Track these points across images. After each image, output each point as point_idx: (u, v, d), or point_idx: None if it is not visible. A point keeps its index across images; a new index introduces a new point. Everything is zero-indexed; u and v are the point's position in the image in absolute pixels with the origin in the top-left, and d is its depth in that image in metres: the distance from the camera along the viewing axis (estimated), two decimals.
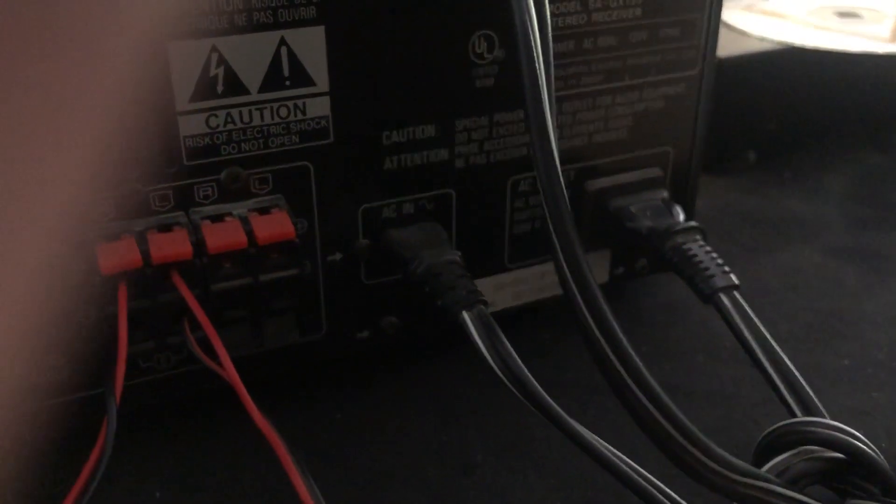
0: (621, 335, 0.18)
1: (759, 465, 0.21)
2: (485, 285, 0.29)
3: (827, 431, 0.22)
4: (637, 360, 0.18)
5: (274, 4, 0.23)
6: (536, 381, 0.23)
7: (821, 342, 0.32)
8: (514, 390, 0.23)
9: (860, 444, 0.21)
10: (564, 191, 0.20)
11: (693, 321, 0.33)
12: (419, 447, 0.27)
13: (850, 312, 0.34)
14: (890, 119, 0.48)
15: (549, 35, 0.21)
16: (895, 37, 0.48)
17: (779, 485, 0.20)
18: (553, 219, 0.19)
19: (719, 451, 0.19)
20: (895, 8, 0.52)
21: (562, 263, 0.18)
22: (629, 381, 0.18)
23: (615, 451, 0.23)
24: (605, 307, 0.18)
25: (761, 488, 0.19)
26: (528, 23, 0.22)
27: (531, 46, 0.21)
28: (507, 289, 0.30)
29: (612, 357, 0.18)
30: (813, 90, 0.45)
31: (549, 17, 0.21)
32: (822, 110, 0.46)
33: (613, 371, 0.18)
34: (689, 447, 0.18)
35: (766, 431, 0.22)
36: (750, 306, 0.26)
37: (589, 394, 0.29)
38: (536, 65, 0.21)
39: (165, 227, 0.23)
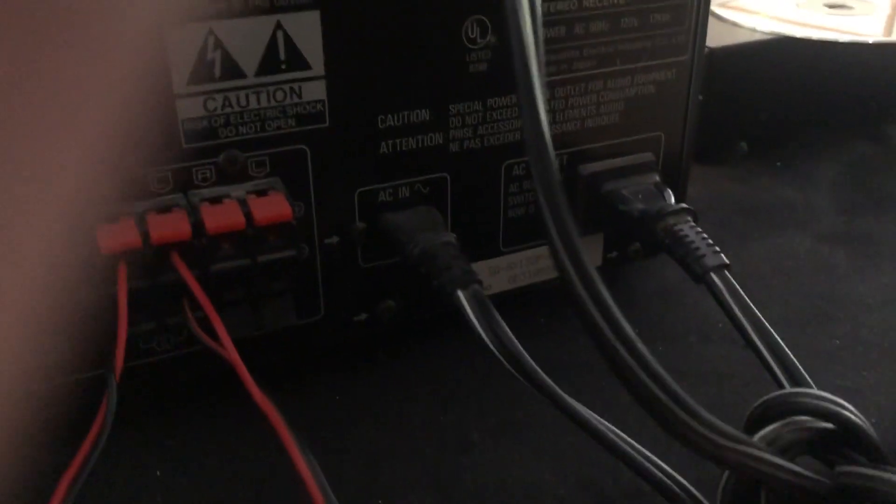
0: (611, 302, 0.18)
1: (750, 434, 0.22)
2: (480, 269, 0.29)
3: (816, 402, 0.22)
4: (628, 328, 0.18)
5: None
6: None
7: (812, 324, 0.32)
8: (509, 367, 0.23)
9: (848, 414, 0.22)
10: (555, 167, 0.20)
11: (686, 304, 0.33)
12: (417, 427, 0.27)
13: (841, 295, 0.34)
14: (880, 108, 0.49)
15: (539, 18, 0.21)
16: (889, 31, 0.48)
17: (769, 453, 0.20)
18: (544, 194, 0.19)
19: (710, 417, 0.19)
20: (887, 1, 0.53)
21: (554, 238, 0.19)
22: (620, 349, 0.18)
23: (609, 425, 0.23)
24: (597, 279, 0.18)
25: (752, 455, 0.19)
26: (518, 6, 0.22)
27: (521, 29, 0.21)
28: (502, 272, 0.31)
29: (603, 324, 0.18)
30: (804, 80, 0.46)
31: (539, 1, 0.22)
32: (812, 100, 0.47)
33: (604, 339, 0.18)
34: (681, 413, 0.18)
35: (756, 403, 0.23)
36: (744, 289, 0.27)
37: (583, 374, 0.30)
38: (526, 48, 0.21)
39: (164, 209, 0.24)
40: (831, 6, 0.50)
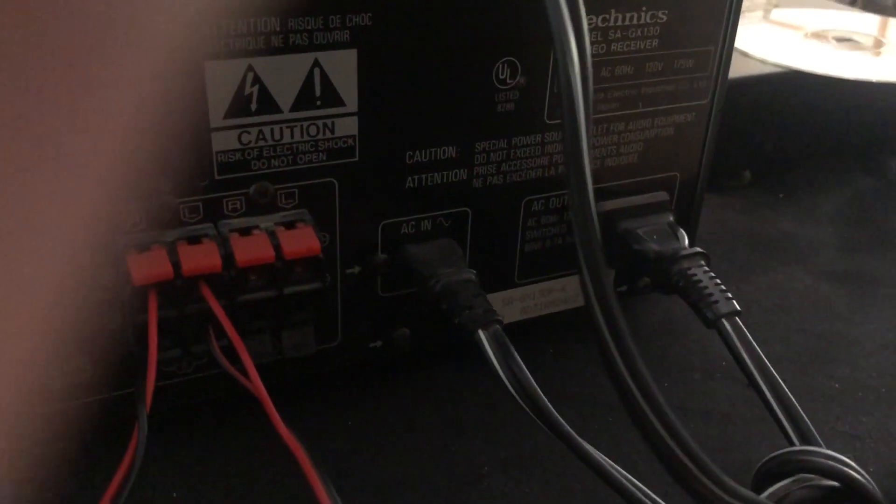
0: (643, 368, 0.19)
1: (759, 490, 0.23)
2: (494, 300, 0.30)
3: (823, 460, 0.23)
4: (655, 389, 0.19)
5: (310, 27, 0.24)
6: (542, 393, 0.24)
7: (813, 365, 0.33)
8: (526, 408, 0.24)
9: (853, 473, 0.23)
10: (595, 214, 0.21)
11: (690, 338, 0.34)
12: (428, 457, 0.28)
13: (841, 336, 0.35)
14: (881, 144, 0.49)
15: (589, 62, 0.22)
16: (875, 47, 0.50)
17: None
18: (582, 244, 0.20)
19: (727, 479, 0.20)
20: (876, 28, 0.54)
21: (589, 292, 0.19)
22: (648, 411, 0.19)
23: (620, 469, 0.24)
24: (634, 351, 0.19)
25: None
26: (568, 48, 0.22)
27: (570, 72, 0.21)
28: (515, 304, 0.31)
29: (633, 387, 0.19)
30: (809, 113, 0.47)
31: (588, 45, 0.22)
32: (816, 133, 0.48)
33: (634, 401, 0.19)
34: (702, 477, 0.19)
35: (765, 459, 0.23)
36: (745, 325, 0.28)
37: (591, 407, 0.30)
38: (574, 90, 0.21)
39: (194, 239, 0.24)
40: (840, 39, 0.51)
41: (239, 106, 0.24)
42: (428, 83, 0.26)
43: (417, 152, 0.27)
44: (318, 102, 0.25)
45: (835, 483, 0.23)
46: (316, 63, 0.24)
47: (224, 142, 0.24)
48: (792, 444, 0.24)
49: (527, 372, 0.24)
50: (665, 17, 0.29)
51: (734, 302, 0.28)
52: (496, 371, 0.25)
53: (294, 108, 0.25)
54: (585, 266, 0.19)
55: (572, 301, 0.32)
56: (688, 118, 0.31)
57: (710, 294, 0.28)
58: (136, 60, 0.14)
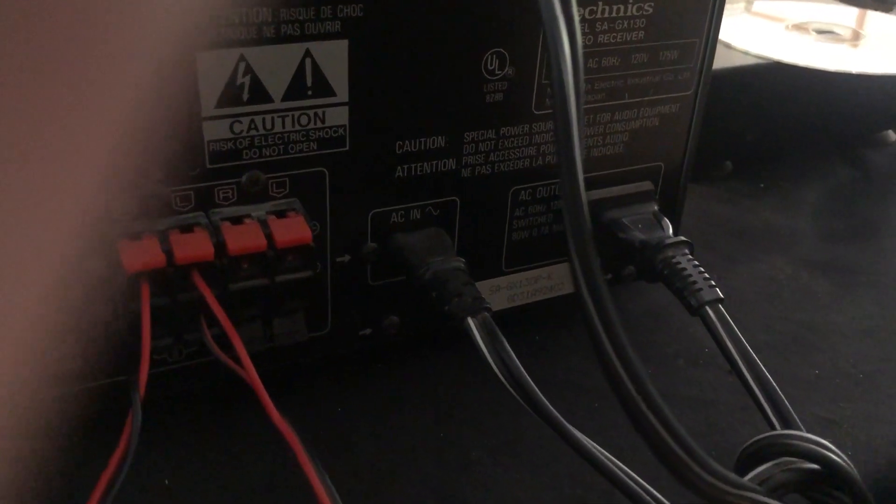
0: (632, 354, 0.19)
1: (742, 473, 0.23)
2: (482, 288, 0.30)
3: (804, 444, 0.23)
4: (644, 374, 0.20)
5: (301, 18, 0.24)
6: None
7: (794, 352, 0.34)
8: (515, 394, 0.24)
9: (834, 457, 0.23)
10: (586, 202, 0.21)
11: (674, 325, 0.35)
12: (418, 443, 0.28)
13: (821, 324, 0.35)
14: (861, 135, 0.50)
15: (580, 52, 0.22)
16: (855, 39, 0.50)
17: (763, 494, 0.21)
18: (573, 232, 0.20)
19: (713, 463, 0.20)
20: (855, 21, 0.55)
21: (579, 279, 0.20)
22: (637, 397, 0.19)
23: (608, 454, 0.25)
24: (624, 338, 0.19)
25: (748, 498, 0.21)
26: (559, 38, 0.22)
27: (562, 63, 0.22)
28: (503, 292, 0.32)
29: (623, 372, 0.19)
30: (790, 104, 0.47)
31: (579, 35, 0.22)
32: (797, 124, 0.48)
33: (623, 387, 0.19)
34: (689, 461, 0.19)
35: (748, 442, 0.24)
36: (728, 313, 0.28)
37: (577, 394, 0.31)
38: (566, 80, 0.21)
39: (186, 228, 0.24)
40: (820, 31, 0.51)
41: (231, 95, 0.24)
42: (418, 74, 0.26)
43: (407, 142, 0.27)
44: (310, 92, 0.25)
45: (815, 466, 0.23)
46: (307, 53, 0.24)
47: (216, 131, 0.24)
48: (774, 428, 0.25)
49: (515, 359, 0.25)
50: (651, 10, 0.29)
51: (717, 290, 0.29)
52: (485, 358, 0.25)
53: (285, 98, 0.25)
54: (576, 253, 0.19)
55: (558, 289, 0.33)
56: (672, 109, 0.32)
57: (694, 282, 0.29)
58: (127, 49, 0.14)
